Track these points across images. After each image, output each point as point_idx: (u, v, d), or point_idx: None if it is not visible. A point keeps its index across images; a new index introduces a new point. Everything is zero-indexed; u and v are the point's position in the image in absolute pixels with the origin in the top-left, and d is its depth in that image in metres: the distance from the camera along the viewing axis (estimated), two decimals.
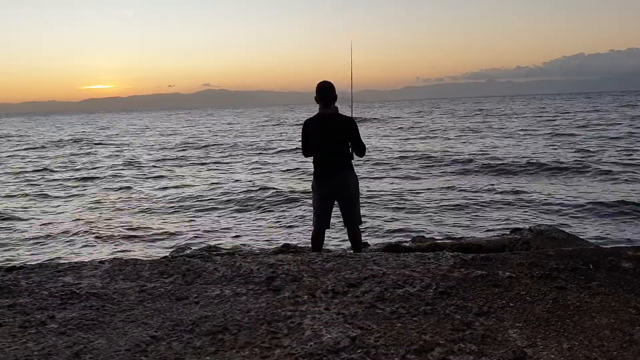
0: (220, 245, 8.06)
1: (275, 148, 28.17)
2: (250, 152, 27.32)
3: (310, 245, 5.01)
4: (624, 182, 13.74)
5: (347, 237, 5.21)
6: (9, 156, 29.07)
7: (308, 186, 6.00)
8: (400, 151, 23.36)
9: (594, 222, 9.79)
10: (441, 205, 11.78)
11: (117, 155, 27.97)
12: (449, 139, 29.63)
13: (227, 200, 13.29)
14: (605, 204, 11.05)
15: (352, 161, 4.80)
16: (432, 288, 2.89)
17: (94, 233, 10.39)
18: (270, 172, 19.29)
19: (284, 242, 7.74)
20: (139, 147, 33.56)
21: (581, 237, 7.06)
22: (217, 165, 22.44)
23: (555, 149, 22.14)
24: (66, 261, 6.03)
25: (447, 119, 51.63)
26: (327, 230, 4.96)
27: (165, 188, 16.11)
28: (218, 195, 14.09)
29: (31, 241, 10.03)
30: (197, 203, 13.24)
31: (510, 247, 5.88)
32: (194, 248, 7.70)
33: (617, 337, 2.31)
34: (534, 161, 17.63)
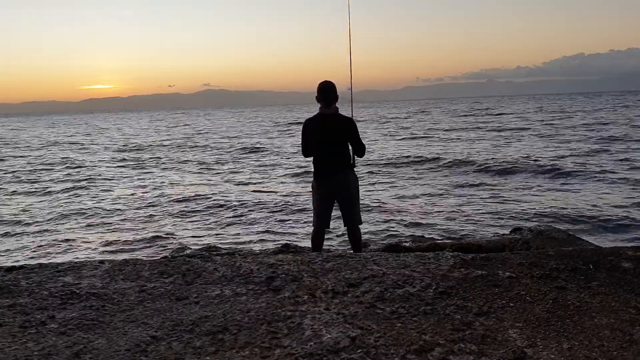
0: (220, 245, 8.06)
1: (275, 148, 28.20)
2: (250, 152, 27.33)
3: (310, 245, 5.02)
4: (624, 182, 13.74)
5: (347, 237, 5.21)
6: None
7: (308, 186, 6.00)
8: (400, 151, 23.38)
9: (594, 222, 9.79)
10: (441, 205, 11.78)
11: (117, 156, 28.02)
12: (449, 138, 29.66)
13: (227, 201, 13.29)
14: (605, 204, 11.06)
15: (352, 161, 4.80)
16: (432, 288, 2.89)
17: (93, 234, 10.39)
18: (270, 172, 19.31)
19: (284, 242, 7.74)
20: (149, 146, 33.63)
21: (581, 237, 7.06)
22: (217, 165, 22.45)
23: (555, 149, 22.17)
24: (66, 261, 6.02)
25: (447, 118, 51.68)
26: (327, 230, 4.96)
27: (165, 188, 16.11)
28: (218, 196, 14.09)
29: (31, 242, 10.03)
30: (197, 203, 13.24)
31: (510, 247, 5.87)
32: (194, 248, 7.70)
33: (617, 337, 2.31)
34: (534, 161, 17.64)
